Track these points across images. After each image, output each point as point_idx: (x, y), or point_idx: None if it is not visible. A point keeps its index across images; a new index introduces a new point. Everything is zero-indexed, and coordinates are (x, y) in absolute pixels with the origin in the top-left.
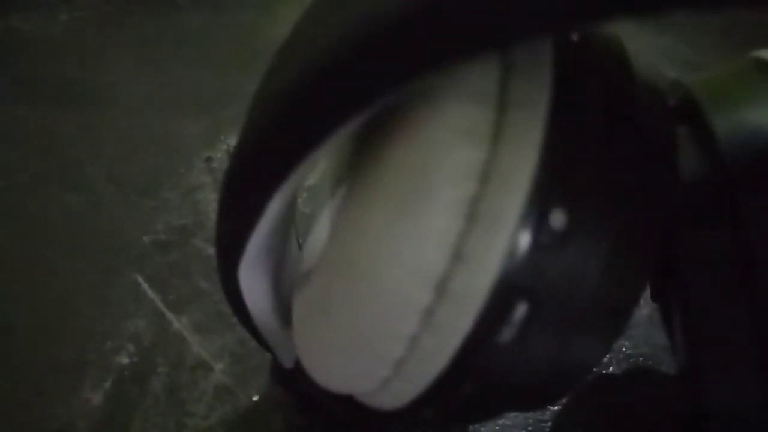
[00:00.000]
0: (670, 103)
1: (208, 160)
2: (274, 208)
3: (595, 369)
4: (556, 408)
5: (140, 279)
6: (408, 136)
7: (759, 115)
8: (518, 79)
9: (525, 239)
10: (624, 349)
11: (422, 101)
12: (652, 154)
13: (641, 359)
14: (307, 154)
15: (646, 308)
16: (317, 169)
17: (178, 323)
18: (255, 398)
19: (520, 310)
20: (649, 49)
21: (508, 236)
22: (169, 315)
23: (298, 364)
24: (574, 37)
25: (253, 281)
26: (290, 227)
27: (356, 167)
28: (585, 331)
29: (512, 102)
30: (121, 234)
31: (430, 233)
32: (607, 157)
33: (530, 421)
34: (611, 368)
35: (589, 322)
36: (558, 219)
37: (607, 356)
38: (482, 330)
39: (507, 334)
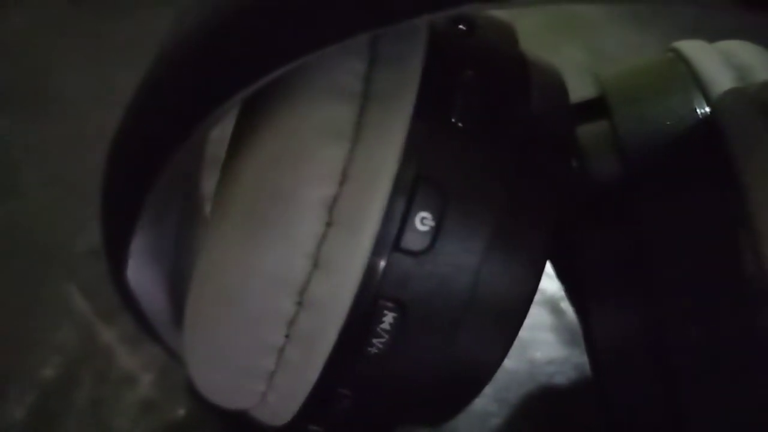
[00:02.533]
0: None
1: None
2: (159, 200)
3: (543, 380)
4: (499, 420)
5: (72, 288)
6: (268, 135)
7: (662, 110)
8: (384, 73)
9: (388, 243)
10: (571, 358)
11: (284, 98)
12: (535, 150)
13: (588, 368)
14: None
15: None
16: None
17: (107, 334)
18: (181, 412)
19: (388, 318)
20: (619, 44)
21: (369, 240)
22: (99, 325)
23: None
24: (461, 26)
25: (146, 280)
26: (194, 224)
27: (224, 167)
28: (468, 335)
29: (376, 97)
30: (55, 241)
31: (287, 239)
32: (479, 155)
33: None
34: (557, 378)
35: (471, 325)
36: (424, 221)
37: (554, 366)
38: (349, 341)
39: (378, 344)
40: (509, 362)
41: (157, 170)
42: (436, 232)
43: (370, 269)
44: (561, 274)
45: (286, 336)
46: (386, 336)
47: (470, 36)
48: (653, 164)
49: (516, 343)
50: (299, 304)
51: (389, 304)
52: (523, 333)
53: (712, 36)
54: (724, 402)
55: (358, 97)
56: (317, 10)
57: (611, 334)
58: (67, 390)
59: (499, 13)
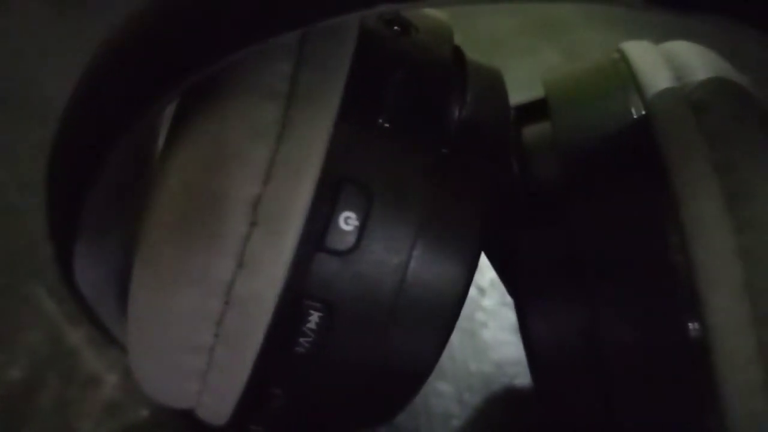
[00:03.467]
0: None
1: None
2: (104, 199)
3: (506, 381)
4: (460, 421)
5: (40, 290)
6: (195, 136)
7: (599, 111)
8: (310, 73)
9: (312, 243)
10: None
11: (212, 100)
12: (465, 150)
13: None
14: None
15: None
16: None
17: (74, 336)
18: (144, 413)
19: (314, 318)
20: (595, 45)
21: (293, 240)
22: (66, 328)
23: None
24: (396, 27)
25: (94, 279)
26: None
27: (157, 168)
28: (399, 333)
29: (301, 97)
30: (25, 243)
31: (212, 239)
32: (405, 155)
33: None
34: (520, 379)
35: (401, 324)
36: (348, 220)
37: (517, 368)
38: (276, 340)
39: (305, 343)
40: (472, 364)
41: (98, 165)
42: (360, 232)
43: (295, 269)
44: (502, 273)
45: (215, 335)
46: (313, 336)
47: (404, 37)
48: (589, 165)
49: (479, 344)
50: (226, 303)
51: (315, 304)
52: (487, 334)
53: (689, 38)
54: (653, 399)
55: (283, 97)
56: (236, 12)
57: (547, 332)
58: (32, 391)
59: (479, 15)
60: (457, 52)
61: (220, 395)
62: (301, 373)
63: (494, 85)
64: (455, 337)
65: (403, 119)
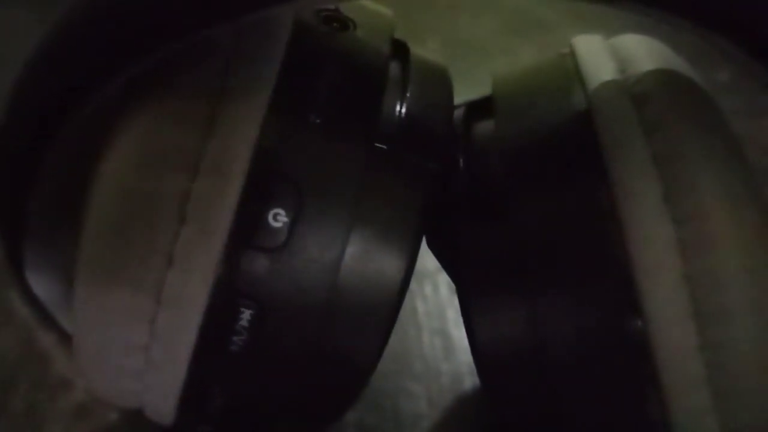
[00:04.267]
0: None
1: None
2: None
3: (476, 382)
4: (430, 422)
5: (11, 293)
6: (127, 134)
7: (542, 106)
8: (242, 69)
9: (241, 240)
10: None
11: (145, 96)
12: (400, 146)
13: None
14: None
15: None
16: None
17: (45, 340)
18: (113, 417)
19: (246, 316)
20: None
21: (222, 238)
22: (37, 331)
23: None
24: (335, 24)
25: (44, 282)
26: None
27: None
28: (335, 330)
29: (231, 93)
30: None
31: (142, 237)
32: (336, 151)
33: None
34: None
35: (337, 321)
36: (277, 217)
37: None
38: (210, 338)
39: (238, 341)
40: (443, 364)
41: (36, 163)
42: (291, 229)
43: (225, 267)
44: (449, 270)
45: (150, 335)
46: (246, 334)
47: (340, 33)
48: (530, 160)
49: (450, 344)
50: (158, 302)
51: (246, 302)
52: (458, 334)
53: (667, 35)
54: (597, 393)
55: (213, 93)
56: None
57: (491, 329)
58: (2, 394)
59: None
60: (400, 48)
61: (161, 394)
62: (238, 372)
63: (437, 81)
64: (426, 337)
65: (336, 115)
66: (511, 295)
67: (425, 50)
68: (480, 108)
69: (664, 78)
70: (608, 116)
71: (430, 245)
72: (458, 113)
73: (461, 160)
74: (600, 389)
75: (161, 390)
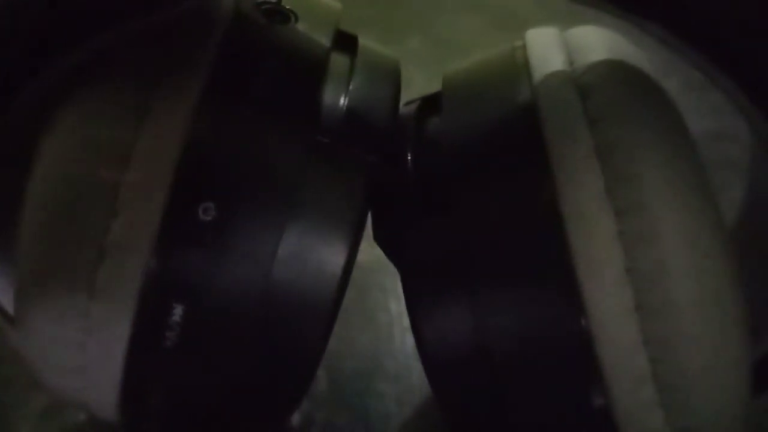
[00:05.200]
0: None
1: None
2: None
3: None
4: (400, 421)
5: None
6: (61, 126)
7: (488, 99)
8: (174, 61)
9: (172, 234)
10: None
11: (79, 91)
12: (336, 137)
13: None
14: None
15: None
16: None
17: (14, 339)
18: (82, 417)
19: (178, 310)
20: None
21: (152, 231)
22: (9, 330)
23: None
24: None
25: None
26: None
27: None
28: (272, 326)
29: (164, 83)
30: None
31: (74, 229)
32: (270, 142)
33: None
34: None
35: (273, 317)
36: (208, 211)
37: None
38: (143, 333)
39: (172, 336)
40: (413, 363)
41: None
42: (222, 223)
43: (156, 261)
44: (398, 267)
45: (84, 330)
46: (179, 329)
47: (280, 26)
48: (475, 154)
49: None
50: (91, 297)
51: (178, 297)
52: None
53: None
54: (544, 391)
55: (146, 85)
56: None
57: (437, 329)
58: None
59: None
60: (347, 40)
61: (101, 391)
62: (174, 368)
63: (383, 73)
64: (396, 335)
65: (271, 108)
66: (455, 293)
67: (406, 49)
68: (433, 102)
69: (611, 69)
70: (552, 107)
71: (377, 240)
72: (412, 107)
73: (409, 154)
74: (546, 386)
75: (101, 386)
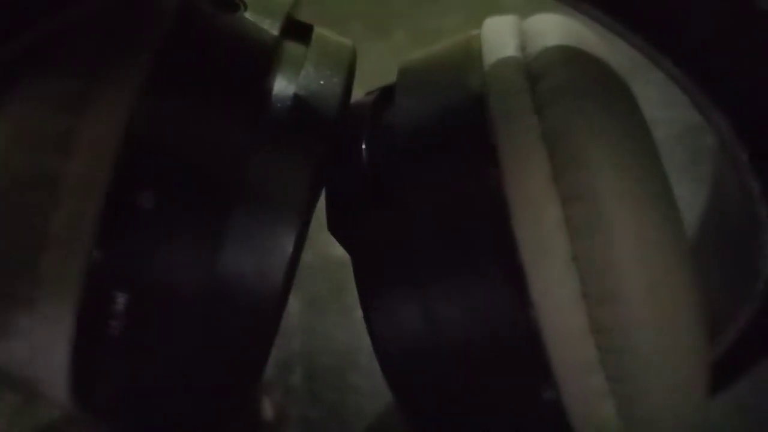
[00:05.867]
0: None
1: None
2: None
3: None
4: (373, 414)
5: None
6: (4, 114)
7: (439, 89)
8: (118, 50)
9: (113, 223)
10: None
11: (21, 80)
12: (292, 129)
13: None
14: None
15: None
16: None
17: None
18: (56, 413)
19: (122, 299)
20: None
21: (93, 220)
22: None
23: None
24: (222, 5)
25: None
26: None
27: None
28: (215, 318)
29: (106, 73)
30: None
31: (16, 217)
32: (214, 132)
33: None
34: None
35: (217, 308)
36: (150, 199)
37: None
38: (87, 322)
39: (116, 326)
40: None
41: None
42: (164, 212)
43: (98, 250)
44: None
45: (30, 318)
46: (123, 319)
47: (229, 15)
48: (425, 143)
49: None
50: (34, 285)
51: (121, 286)
52: None
53: None
54: (494, 387)
55: (89, 73)
56: None
57: (387, 323)
58: None
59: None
60: (300, 29)
61: (50, 381)
62: (120, 356)
63: (336, 62)
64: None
65: (215, 96)
66: (402, 284)
67: (392, 42)
68: (391, 92)
69: (562, 54)
70: (500, 94)
71: (331, 229)
72: (372, 97)
73: (364, 143)
74: (495, 378)
75: (50, 376)
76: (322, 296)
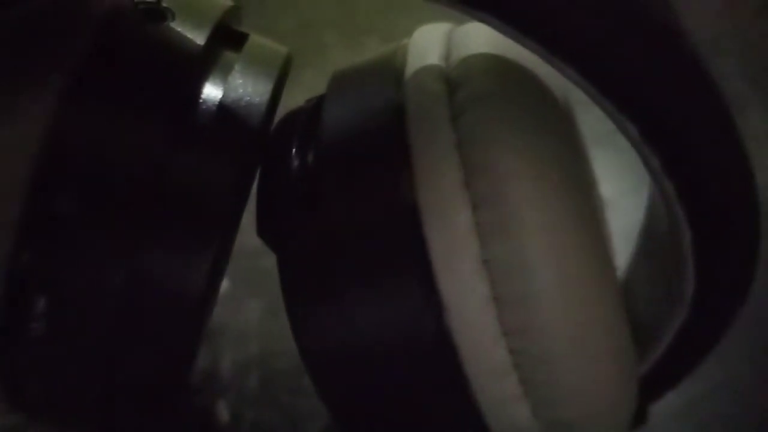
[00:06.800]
0: None
1: None
2: None
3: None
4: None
5: None
6: None
7: (362, 97)
8: (40, 57)
9: (32, 227)
10: None
11: None
12: (215, 138)
13: None
14: None
15: None
16: None
17: None
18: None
19: (42, 302)
20: None
21: (13, 223)
22: None
23: None
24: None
25: None
26: None
27: None
28: (138, 324)
29: (27, 79)
30: None
31: None
32: (132, 143)
33: None
34: None
35: (139, 314)
36: (68, 205)
37: None
38: (8, 324)
39: (36, 327)
40: None
41: None
42: (82, 217)
43: (16, 254)
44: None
45: None
46: (43, 320)
47: (154, 25)
48: (346, 151)
49: None
50: None
51: (41, 288)
52: None
53: None
54: (413, 393)
55: (10, 76)
56: None
57: (309, 326)
58: None
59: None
60: (235, 37)
61: None
62: (43, 359)
63: (266, 69)
64: None
65: (137, 105)
66: (324, 292)
67: (366, 48)
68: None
69: (484, 63)
70: (418, 102)
71: (260, 234)
72: (310, 104)
73: (294, 151)
74: (414, 383)
75: None
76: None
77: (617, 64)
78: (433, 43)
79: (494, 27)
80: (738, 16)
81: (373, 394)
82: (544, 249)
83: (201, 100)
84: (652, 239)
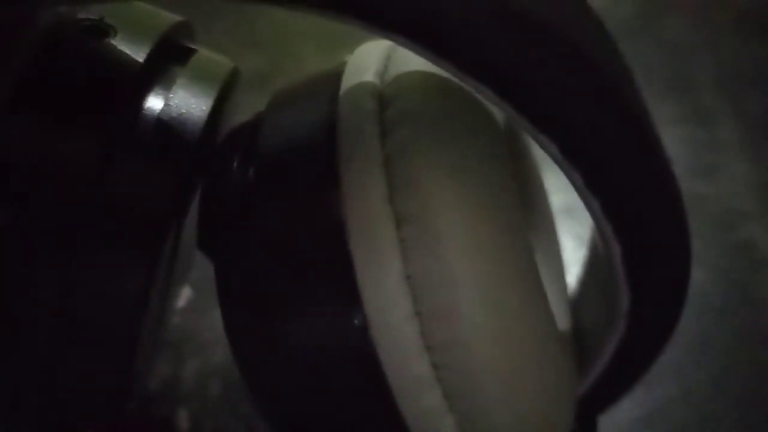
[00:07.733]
0: None
1: None
2: None
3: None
4: None
5: None
6: None
7: (298, 115)
8: None
9: None
10: None
11: None
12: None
13: None
14: None
15: None
16: None
17: None
18: None
19: None
20: None
21: None
22: None
23: None
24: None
25: None
26: None
27: None
28: (71, 330)
29: None
30: None
31: None
32: (68, 156)
33: None
34: None
35: (73, 321)
36: (3, 216)
37: None
38: None
39: None
40: None
41: None
42: (17, 226)
43: None
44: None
45: None
46: None
47: (95, 42)
48: (278, 168)
49: None
50: None
51: None
52: None
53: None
54: (343, 410)
55: None
56: None
57: (246, 343)
58: None
59: None
60: (180, 52)
61: None
62: None
63: (208, 83)
64: None
65: (74, 120)
66: (255, 307)
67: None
68: None
69: (417, 80)
70: (349, 119)
71: (199, 247)
72: (255, 119)
73: (236, 165)
74: (343, 397)
75: None
76: None
77: (527, 78)
78: (371, 60)
79: (407, 48)
80: (714, 28)
81: (303, 405)
82: (465, 264)
83: (141, 114)
84: (596, 255)
